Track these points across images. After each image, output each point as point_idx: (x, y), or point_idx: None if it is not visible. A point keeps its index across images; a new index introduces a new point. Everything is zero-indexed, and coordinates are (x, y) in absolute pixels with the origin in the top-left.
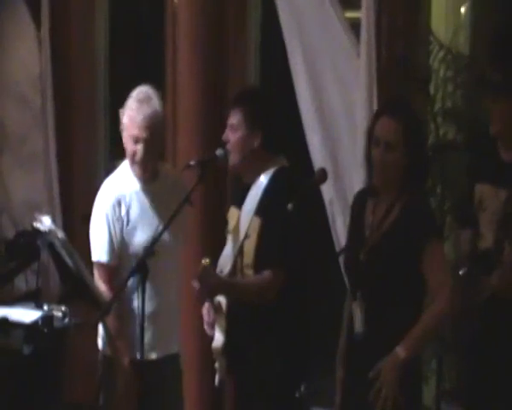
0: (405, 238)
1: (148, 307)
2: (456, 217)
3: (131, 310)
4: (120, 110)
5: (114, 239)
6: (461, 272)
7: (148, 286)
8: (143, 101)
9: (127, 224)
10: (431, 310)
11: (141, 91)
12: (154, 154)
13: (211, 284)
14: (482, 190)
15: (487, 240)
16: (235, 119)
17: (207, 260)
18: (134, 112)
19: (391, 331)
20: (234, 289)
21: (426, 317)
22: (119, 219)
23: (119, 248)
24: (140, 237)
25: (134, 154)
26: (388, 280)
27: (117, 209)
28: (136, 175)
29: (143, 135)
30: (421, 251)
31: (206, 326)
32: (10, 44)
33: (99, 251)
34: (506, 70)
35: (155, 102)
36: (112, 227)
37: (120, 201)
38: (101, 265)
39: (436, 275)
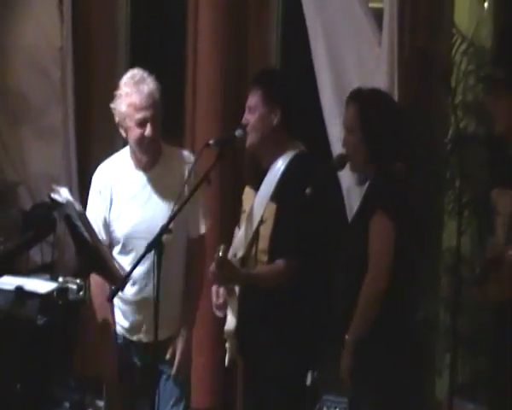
0: (361, 213)
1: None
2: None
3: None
4: (111, 105)
5: (101, 221)
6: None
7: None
8: (139, 82)
9: (110, 209)
10: (362, 292)
11: (133, 74)
12: (159, 132)
13: (226, 275)
14: (495, 192)
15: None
16: (252, 101)
17: (223, 247)
18: (133, 96)
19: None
20: (248, 280)
21: (360, 300)
22: (104, 203)
23: (106, 230)
24: (126, 222)
25: (142, 137)
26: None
27: (103, 193)
28: (137, 162)
29: (148, 114)
30: (368, 223)
31: (214, 308)
32: (33, 17)
33: None
34: (509, 67)
35: (150, 81)
36: (98, 210)
37: (106, 186)
38: None
39: (372, 249)
